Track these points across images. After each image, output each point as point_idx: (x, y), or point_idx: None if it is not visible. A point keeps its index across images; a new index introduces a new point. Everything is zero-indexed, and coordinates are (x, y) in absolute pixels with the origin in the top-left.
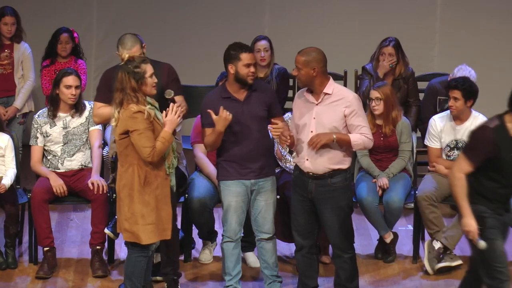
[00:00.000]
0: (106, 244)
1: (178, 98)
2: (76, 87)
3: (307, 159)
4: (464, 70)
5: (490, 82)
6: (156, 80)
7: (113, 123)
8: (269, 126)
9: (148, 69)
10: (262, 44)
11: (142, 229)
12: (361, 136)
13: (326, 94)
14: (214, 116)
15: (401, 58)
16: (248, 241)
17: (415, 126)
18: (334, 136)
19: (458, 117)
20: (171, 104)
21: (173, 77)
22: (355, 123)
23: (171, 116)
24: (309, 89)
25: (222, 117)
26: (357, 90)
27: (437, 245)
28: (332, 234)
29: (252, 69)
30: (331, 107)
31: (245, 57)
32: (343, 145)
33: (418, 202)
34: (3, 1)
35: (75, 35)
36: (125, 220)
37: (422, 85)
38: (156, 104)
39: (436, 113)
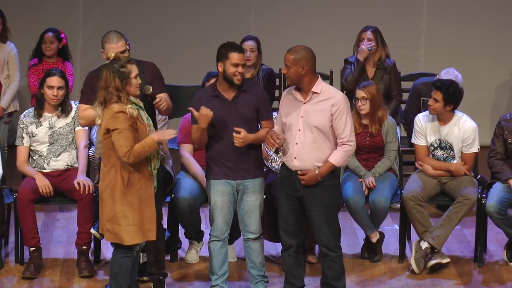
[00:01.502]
0: (92, 244)
1: (163, 95)
2: (59, 88)
3: (295, 158)
4: (451, 74)
5: (475, 82)
6: (140, 82)
7: (98, 122)
8: (234, 134)
9: (134, 69)
10: (249, 44)
11: (125, 229)
12: (341, 151)
13: (314, 93)
14: (195, 113)
15: (380, 44)
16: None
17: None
18: (317, 172)
19: (441, 118)
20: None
21: (157, 75)
22: (338, 125)
23: (166, 132)
24: (297, 87)
25: (203, 114)
26: (343, 89)
27: (424, 245)
28: (320, 233)
29: (239, 69)
30: (319, 106)
31: (233, 56)
32: (328, 171)
33: (405, 202)
34: None
35: (62, 35)
36: (106, 221)
37: (407, 84)
38: (141, 104)
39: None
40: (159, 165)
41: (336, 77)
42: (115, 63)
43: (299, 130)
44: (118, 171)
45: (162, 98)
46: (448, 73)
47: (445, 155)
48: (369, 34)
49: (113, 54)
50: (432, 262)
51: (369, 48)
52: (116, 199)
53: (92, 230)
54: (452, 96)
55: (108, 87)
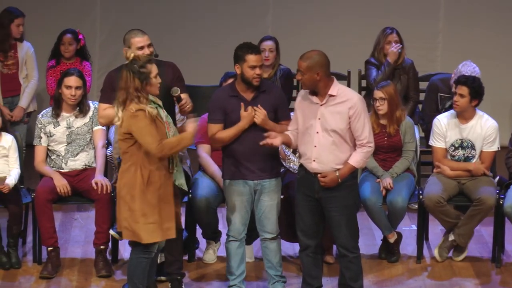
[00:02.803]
0: (110, 244)
1: (183, 96)
2: (77, 88)
3: (314, 160)
4: (468, 66)
5: (494, 81)
6: (160, 81)
7: (117, 122)
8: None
9: (153, 69)
10: (268, 44)
11: (143, 228)
12: (360, 152)
13: (331, 95)
14: (242, 112)
15: (403, 45)
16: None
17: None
18: (337, 174)
19: (463, 116)
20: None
21: (178, 75)
22: (357, 127)
23: (194, 126)
24: (313, 91)
25: (251, 115)
26: (360, 90)
27: (451, 237)
28: (339, 233)
29: (257, 71)
30: (336, 109)
31: (250, 58)
32: (349, 173)
33: (426, 206)
34: (8, 2)
35: (80, 36)
36: (124, 219)
37: (425, 85)
38: (159, 102)
39: (438, 110)
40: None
41: (354, 77)
42: (134, 64)
43: (317, 132)
44: (138, 170)
45: (188, 100)
46: (466, 65)
47: (465, 155)
48: (395, 36)
49: (132, 55)
50: (458, 258)
51: (399, 50)
52: (136, 197)
53: (111, 231)
54: (477, 90)
55: (128, 88)
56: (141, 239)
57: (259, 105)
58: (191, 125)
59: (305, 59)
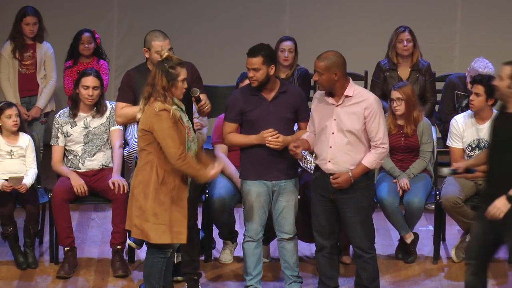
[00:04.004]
0: (126, 244)
1: (202, 96)
2: (95, 88)
3: (329, 161)
4: (481, 62)
5: None
6: (186, 86)
7: (138, 116)
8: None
9: (183, 73)
10: (287, 44)
11: (153, 227)
12: (374, 153)
13: (347, 96)
14: (265, 131)
15: (417, 45)
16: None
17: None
18: (350, 174)
19: (480, 116)
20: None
21: (196, 75)
22: (372, 127)
23: (216, 171)
24: (329, 92)
25: (266, 137)
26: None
27: (468, 238)
28: (354, 234)
29: (250, 73)
30: (352, 109)
31: (246, 61)
32: (361, 174)
33: (444, 207)
34: (25, 1)
35: (96, 35)
36: (136, 217)
37: (442, 86)
38: (182, 106)
39: (455, 109)
40: None
41: (371, 77)
42: (165, 63)
43: (333, 133)
44: (154, 168)
45: (207, 101)
46: (479, 61)
47: None
48: (407, 34)
49: (166, 53)
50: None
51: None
52: (149, 196)
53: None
54: (493, 89)
55: (156, 85)
56: (150, 239)
57: (276, 136)
58: (214, 170)
59: (323, 59)
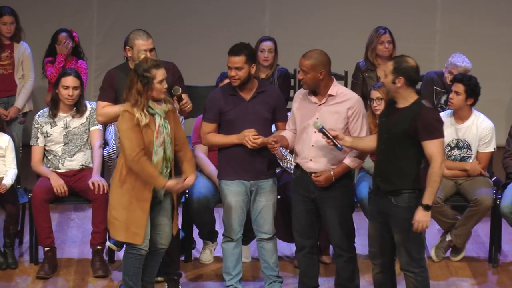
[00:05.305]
0: (106, 244)
1: (184, 96)
2: (75, 88)
3: (311, 160)
4: (458, 56)
5: (491, 82)
6: (166, 86)
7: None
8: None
9: (159, 74)
10: (267, 44)
11: (111, 221)
12: (356, 153)
13: (330, 95)
14: (246, 130)
15: (396, 45)
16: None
17: None
18: (332, 173)
19: (459, 116)
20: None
21: (178, 75)
22: (354, 127)
23: (176, 187)
24: (312, 91)
25: (247, 136)
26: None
27: (448, 237)
28: (334, 234)
29: (232, 72)
30: (335, 108)
31: (228, 60)
32: (343, 173)
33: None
34: (3, 1)
35: (74, 34)
36: (108, 206)
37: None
38: (158, 109)
39: (434, 105)
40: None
41: (351, 77)
42: (141, 66)
43: (315, 132)
44: (120, 166)
45: (188, 100)
46: (456, 56)
47: (461, 155)
48: (388, 36)
49: (142, 56)
50: (455, 258)
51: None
52: (112, 190)
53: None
54: (474, 89)
55: (131, 88)
56: (110, 231)
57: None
58: (173, 184)
59: (309, 58)
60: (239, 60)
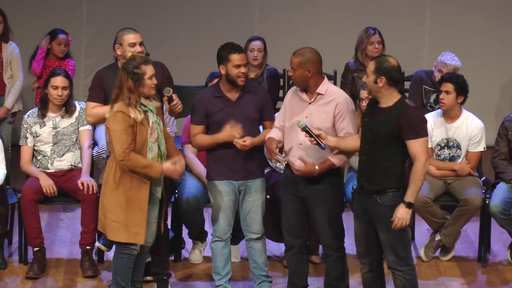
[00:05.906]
0: (96, 244)
1: (174, 96)
2: (64, 88)
3: (299, 158)
4: (448, 55)
5: (480, 82)
6: (155, 82)
7: (107, 116)
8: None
9: (149, 70)
10: (257, 44)
11: (109, 224)
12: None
13: (319, 94)
14: (228, 126)
15: (385, 46)
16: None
17: None
18: (317, 167)
19: (449, 115)
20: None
21: (167, 75)
22: (341, 126)
23: (176, 171)
24: (303, 89)
25: (232, 131)
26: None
27: (438, 237)
28: (323, 233)
29: (242, 69)
30: (323, 107)
31: (234, 58)
32: (327, 169)
33: (414, 207)
34: None
35: (70, 40)
36: (100, 209)
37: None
38: (150, 106)
39: (423, 104)
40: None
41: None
42: (130, 63)
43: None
44: (114, 165)
45: (178, 101)
46: (445, 54)
47: (451, 154)
48: (378, 37)
49: (129, 54)
50: (444, 258)
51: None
52: (106, 192)
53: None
54: (463, 86)
55: (122, 87)
56: (107, 234)
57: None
58: (169, 165)
59: (298, 55)
60: (245, 56)
